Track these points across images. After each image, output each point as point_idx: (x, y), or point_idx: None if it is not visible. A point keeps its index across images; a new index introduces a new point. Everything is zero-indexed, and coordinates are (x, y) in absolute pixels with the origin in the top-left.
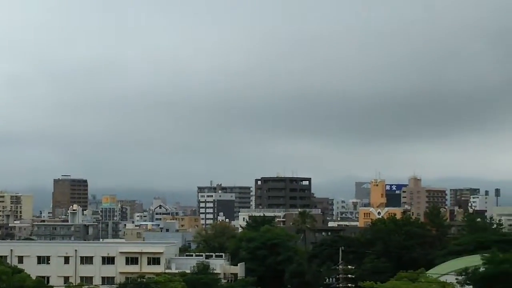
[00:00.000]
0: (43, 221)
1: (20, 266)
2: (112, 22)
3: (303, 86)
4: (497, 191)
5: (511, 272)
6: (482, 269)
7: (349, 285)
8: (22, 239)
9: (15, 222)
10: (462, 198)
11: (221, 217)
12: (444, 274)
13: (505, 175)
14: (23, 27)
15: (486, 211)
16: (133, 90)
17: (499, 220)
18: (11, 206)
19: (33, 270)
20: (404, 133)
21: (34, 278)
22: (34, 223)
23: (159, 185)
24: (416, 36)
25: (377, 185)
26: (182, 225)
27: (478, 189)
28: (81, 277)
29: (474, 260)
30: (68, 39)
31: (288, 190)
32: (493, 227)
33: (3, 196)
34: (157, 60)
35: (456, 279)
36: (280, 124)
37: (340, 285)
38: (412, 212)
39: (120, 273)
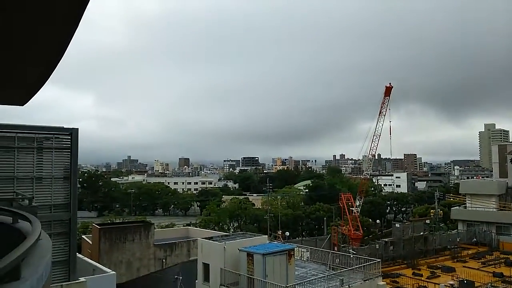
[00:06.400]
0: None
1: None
2: None
3: None
4: None
5: (320, 185)
6: (311, 184)
7: None
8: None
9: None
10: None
11: None
12: (300, 186)
13: None
14: None
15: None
16: None
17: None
18: None
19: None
20: None
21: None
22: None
23: None
24: None
25: None
26: None
27: None
28: None
29: (308, 182)
30: None
31: None
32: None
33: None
34: None
35: (304, 187)
36: None
37: None
38: None
39: None
